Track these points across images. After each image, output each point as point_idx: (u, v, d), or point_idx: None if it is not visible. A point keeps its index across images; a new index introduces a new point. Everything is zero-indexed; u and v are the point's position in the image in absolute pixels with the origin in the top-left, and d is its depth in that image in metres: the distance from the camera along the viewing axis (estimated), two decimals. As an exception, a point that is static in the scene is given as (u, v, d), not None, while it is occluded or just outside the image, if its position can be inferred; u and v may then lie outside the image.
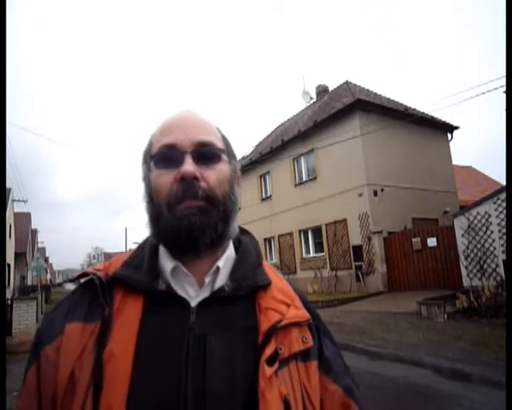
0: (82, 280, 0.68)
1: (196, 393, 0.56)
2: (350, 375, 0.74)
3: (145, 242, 0.74)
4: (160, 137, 0.68)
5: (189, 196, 0.63)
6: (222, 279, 0.67)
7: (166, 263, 0.67)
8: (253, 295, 0.67)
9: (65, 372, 0.58)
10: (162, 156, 0.66)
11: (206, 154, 0.67)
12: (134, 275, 0.65)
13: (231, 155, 0.74)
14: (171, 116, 0.72)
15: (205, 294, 0.65)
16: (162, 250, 0.69)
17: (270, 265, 0.77)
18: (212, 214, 0.64)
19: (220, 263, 0.67)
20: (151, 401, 0.55)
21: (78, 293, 0.67)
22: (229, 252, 0.71)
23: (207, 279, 0.66)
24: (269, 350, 0.60)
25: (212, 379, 0.57)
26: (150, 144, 0.71)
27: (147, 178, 0.70)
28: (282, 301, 0.67)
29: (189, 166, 0.63)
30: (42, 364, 0.61)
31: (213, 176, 0.66)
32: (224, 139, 0.75)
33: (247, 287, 0.67)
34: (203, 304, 0.64)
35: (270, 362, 0.60)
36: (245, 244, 0.75)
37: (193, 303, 0.64)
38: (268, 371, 0.58)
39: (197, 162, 0.65)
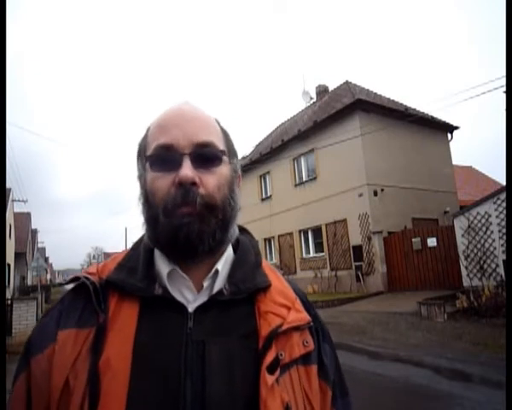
0: (73, 285, 0.64)
1: (195, 403, 0.54)
2: (342, 380, 0.73)
3: (139, 242, 0.70)
4: (156, 135, 0.64)
5: (187, 202, 0.59)
6: (220, 282, 0.64)
7: (163, 266, 0.63)
8: (253, 299, 0.64)
9: (59, 382, 0.55)
10: (158, 158, 0.62)
11: (205, 156, 0.62)
12: (129, 279, 0.62)
13: (232, 152, 0.70)
14: (167, 110, 0.67)
15: (203, 298, 0.63)
16: (158, 253, 0.66)
17: (269, 264, 0.75)
18: (210, 222, 0.61)
19: (219, 266, 0.64)
20: None
21: (70, 298, 0.64)
22: (228, 253, 0.68)
23: (206, 283, 0.63)
24: (269, 357, 0.58)
25: (212, 388, 0.55)
26: (145, 140, 0.67)
27: (142, 178, 0.66)
28: (282, 305, 0.65)
29: (187, 170, 0.59)
30: (33, 374, 0.58)
31: (213, 181, 0.62)
32: (225, 135, 0.70)
33: (246, 290, 0.64)
34: (201, 309, 0.62)
35: (271, 369, 0.57)
36: (243, 244, 0.72)
37: (190, 308, 0.62)
38: (269, 379, 0.56)
39: (196, 165, 0.61)
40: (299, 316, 0.65)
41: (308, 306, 0.71)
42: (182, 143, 0.62)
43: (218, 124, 0.71)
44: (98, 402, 0.52)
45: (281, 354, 0.60)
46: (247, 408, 0.55)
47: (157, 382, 0.55)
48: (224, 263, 0.66)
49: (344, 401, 0.71)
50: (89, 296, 0.61)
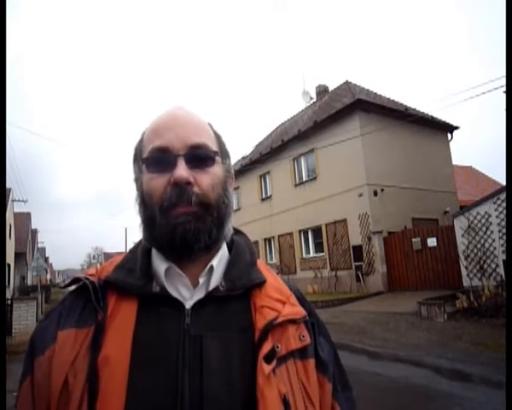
0: (74, 286, 0.66)
1: (193, 397, 0.55)
2: (343, 375, 0.73)
3: (137, 245, 0.72)
4: (152, 138, 0.67)
5: (183, 201, 0.62)
6: (216, 279, 0.67)
7: (160, 265, 0.66)
8: (248, 294, 0.66)
9: (58, 381, 0.56)
10: (154, 160, 0.65)
11: (199, 157, 0.65)
12: (127, 278, 0.64)
13: (224, 153, 0.73)
14: (162, 115, 0.70)
15: (199, 295, 0.65)
16: (155, 252, 0.68)
17: (264, 263, 0.77)
18: (205, 221, 0.63)
19: (214, 262, 0.66)
20: (149, 407, 0.55)
21: (70, 299, 0.66)
22: (223, 252, 0.71)
23: (201, 280, 0.65)
24: (266, 348, 0.59)
25: (210, 382, 0.56)
26: (141, 144, 0.70)
27: (138, 181, 0.69)
28: (277, 299, 0.66)
29: (182, 170, 0.62)
30: (36, 376, 0.60)
31: (207, 180, 0.65)
32: (217, 137, 0.73)
33: (242, 286, 0.66)
34: (198, 305, 0.63)
35: (267, 360, 0.58)
36: (238, 244, 0.75)
37: (188, 305, 0.63)
38: (266, 368, 0.57)
39: (190, 166, 0.64)
40: (295, 310, 0.67)
41: (303, 301, 0.72)
42: (176, 146, 0.64)
43: (211, 127, 0.74)
44: (97, 399, 0.53)
45: (277, 346, 0.61)
46: (245, 400, 0.56)
47: (155, 377, 0.56)
48: (219, 260, 0.68)
49: (346, 395, 0.72)
50: (88, 297, 0.62)
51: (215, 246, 0.68)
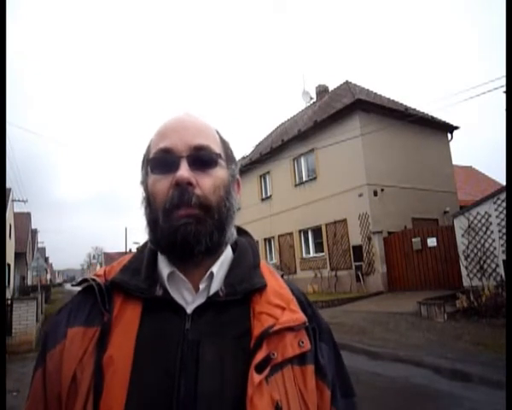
0: (82, 286, 0.69)
1: (188, 399, 0.57)
2: (346, 381, 0.73)
3: (144, 245, 0.74)
4: (157, 141, 0.68)
5: (183, 202, 0.62)
6: (217, 284, 0.67)
7: (164, 268, 0.67)
8: (249, 299, 0.66)
9: (68, 375, 0.60)
10: (158, 161, 0.66)
11: (202, 158, 0.66)
12: (132, 280, 0.66)
13: (230, 159, 0.74)
14: (168, 119, 0.71)
15: (200, 300, 0.65)
16: (160, 255, 0.69)
17: (267, 265, 0.76)
18: (206, 223, 0.64)
19: (214, 269, 0.67)
20: (147, 407, 0.57)
21: (80, 297, 0.69)
22: (226, 255, 0.71)
23: (202, 285, 0.66)
24: (259, 356, 0.59)
25: (203, 386, 0.57)
26: (148, 149, 0.72)
27: (144, 183, 0.70)
28: (276, 305, 0.66)
29: (184, 171, 0.63)
30: (48, 367, 0.64)
31: (208, 182, 0.65)
32: (223, 143, 0.74)
33: (242, 291, 0.66)
34: (198, 310, 0.64)
35: (260, 368, 0.59)
36: (242, 245, 0.75)
37: (189, 309, 0.64)
38: (256, 378, 0.57)
39: (193, 167, 0.65)
40: (294, 316, 0.66)
41: (305, 306, 0.72)
42: (180, 147, 0.65)
43: (218, 134, 0.74)
44: (101, 395, 0.57)
45: (273, 354, 0.61)
46: (235, 406, 0.57)
47: (154, 378, 0.59)
48: (220, 265, 0.68)
49: (346, 402, 0.71)
50: (96, 297, 0.65)
51: (217, 250, 0.68)
